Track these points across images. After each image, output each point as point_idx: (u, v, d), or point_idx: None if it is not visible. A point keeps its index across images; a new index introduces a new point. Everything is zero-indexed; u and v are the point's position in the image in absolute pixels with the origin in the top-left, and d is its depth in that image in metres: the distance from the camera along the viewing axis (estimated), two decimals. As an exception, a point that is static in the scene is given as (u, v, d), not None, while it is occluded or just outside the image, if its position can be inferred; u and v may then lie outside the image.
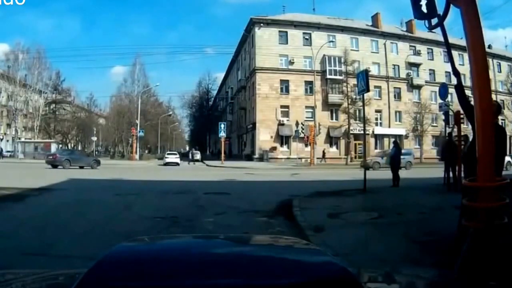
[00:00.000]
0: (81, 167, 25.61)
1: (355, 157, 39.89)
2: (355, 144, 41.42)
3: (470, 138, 5.87)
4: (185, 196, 10.91)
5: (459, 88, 3.96)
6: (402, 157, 15.32)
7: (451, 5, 3.33)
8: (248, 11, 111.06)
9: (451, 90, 14.94)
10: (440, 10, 3.57)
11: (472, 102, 3.72)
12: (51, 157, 27.15)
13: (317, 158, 35.09)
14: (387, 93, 43.50)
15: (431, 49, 45.05)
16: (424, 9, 3.60)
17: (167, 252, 1.63)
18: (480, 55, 3.16)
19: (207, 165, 35.52)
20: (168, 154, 38.96)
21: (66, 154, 28.45)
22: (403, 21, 48.60)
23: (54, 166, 25.37)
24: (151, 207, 8.92)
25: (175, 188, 12.72)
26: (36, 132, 47.86)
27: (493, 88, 29.40)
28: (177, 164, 34.46)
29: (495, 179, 3.11)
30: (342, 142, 41.47)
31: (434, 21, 3.71)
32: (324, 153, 38.36)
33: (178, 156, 37.65)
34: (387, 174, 13.64)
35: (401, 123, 43.51)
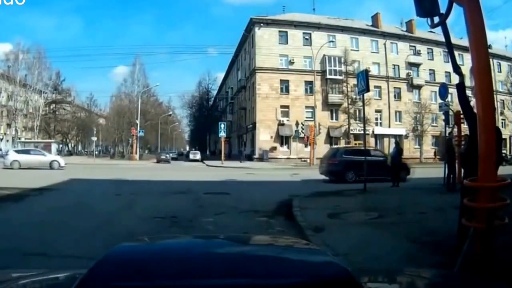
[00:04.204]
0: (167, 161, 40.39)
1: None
2: (355, 144, 41.40)
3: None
4: (185, 196, 10.92)
5: (462, 87, 3.94)
6: None
7: (454, 4, 3.33)
8: (248, 11, 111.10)
9: (451, 90, 14.94)
10: (442, 8, 3.56)
11: (472, 103, 3.72)
12: (163, 156, 42.60)
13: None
14: (387, 93, 43.48)
15: (431, 49, 45.04)
16: (426, 7, 3.60)
17: (167, 252, 1.63)
18: (482, 54, 3.15)
19: (207, 165, 35.52)
20: (169, 153, 54.65)
21: (168, 154, 47.04)
22: (403, 21, 48.70)
23: (159, 162, 39.44)
24: (151, 207, 8.92)
25: (175, 188, 12.72)
26: (36, 132, 47.84)
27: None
28: (176, 159, 51.12)
29: (496, 180, 3.11)
30: (342, 142, 41.44)
31: (436, 19, 3.71)
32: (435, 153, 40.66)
33: (174, 153, 60.92)
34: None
35: (401, 123, 43.49)
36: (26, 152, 25.80)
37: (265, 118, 40.49)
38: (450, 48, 4.01)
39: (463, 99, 3.98)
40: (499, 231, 3.20)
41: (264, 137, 40.31)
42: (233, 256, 1.61)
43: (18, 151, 25.95)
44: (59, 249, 4.93)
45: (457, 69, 3.89)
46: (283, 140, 40.83)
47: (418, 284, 1.92)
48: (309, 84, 40.71)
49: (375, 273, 2.08)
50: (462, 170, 11.51)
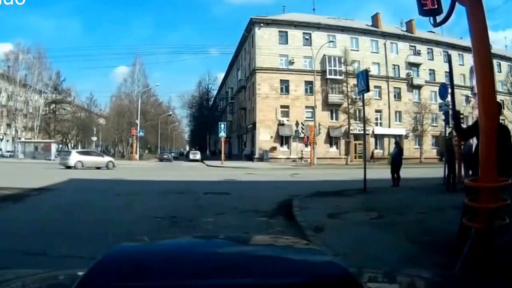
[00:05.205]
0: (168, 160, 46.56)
1: (355, 157, 39.95)
2: (355, 144, 41.41)
3: (473, 142, 5.95)
4: (185, 196, 10.91)
5: (457, 127, 4.44)
6: None
7: (456, 3, 3.32)
8: (248, 11, 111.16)
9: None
10: (445, 8, 3.56)
11: (473, 102, 3.74)
12: (166, 156, 49.24)
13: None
14: (387, 93, 43.48)
15: (431, 49, 45.06)
16: (428, 6, 3.59)
17: (167, 252, 1.62)
18: (484, 53, 3.14)
19: (207, 165, 35.52)
20: (170, 152, 61.09)
21: (170, 154, 55.72)
22: (403, 21, 48.73)
23: (161, 160, 45.48)
24: (151, 207, 8.91)
25: (175, 188, 12.71)
26: (36, 132, 47.82)
27: (493, 88, 29.24)
28: (176, 158, 57.42)
29: (498, 180, 3.09)
30: (342, 142, 41.45)
31: (438, 19, 3.70)
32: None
33: (175, 153, 69.14)
34: (387, 174, 13.63)
35: (401, 123, 43.48)
36: (87, 153, 29.09)
37: (265, 118, 40.49)
38: (452, 86, 4.13)
39: (460, 131, 4.34)
40: (500, 231, 3.19)
41: (264, 137, 40.31)
42: (233, 256, 1.61)
43: (79, 152, 28.38)
44: (59, 249, 4.92)
45: (455, 111, 4.15)
46: (283, 140, 40.84)
47: (418, 284, 1.92)
48: (309, 84, 40.70)
49: (375, 273, 2.07)
50: (463, 170, 11.53)
